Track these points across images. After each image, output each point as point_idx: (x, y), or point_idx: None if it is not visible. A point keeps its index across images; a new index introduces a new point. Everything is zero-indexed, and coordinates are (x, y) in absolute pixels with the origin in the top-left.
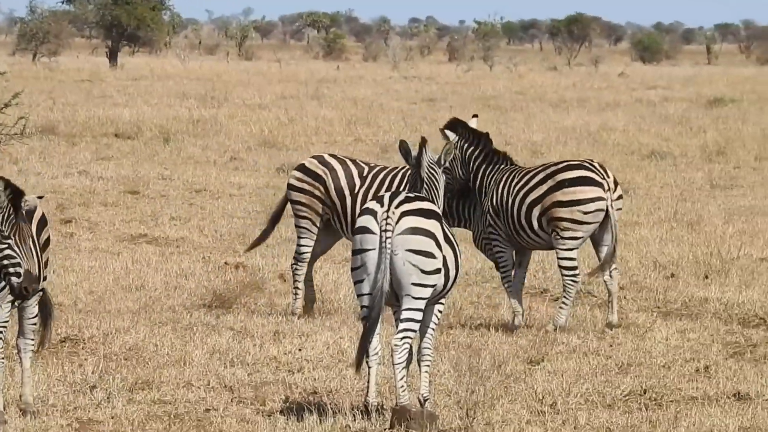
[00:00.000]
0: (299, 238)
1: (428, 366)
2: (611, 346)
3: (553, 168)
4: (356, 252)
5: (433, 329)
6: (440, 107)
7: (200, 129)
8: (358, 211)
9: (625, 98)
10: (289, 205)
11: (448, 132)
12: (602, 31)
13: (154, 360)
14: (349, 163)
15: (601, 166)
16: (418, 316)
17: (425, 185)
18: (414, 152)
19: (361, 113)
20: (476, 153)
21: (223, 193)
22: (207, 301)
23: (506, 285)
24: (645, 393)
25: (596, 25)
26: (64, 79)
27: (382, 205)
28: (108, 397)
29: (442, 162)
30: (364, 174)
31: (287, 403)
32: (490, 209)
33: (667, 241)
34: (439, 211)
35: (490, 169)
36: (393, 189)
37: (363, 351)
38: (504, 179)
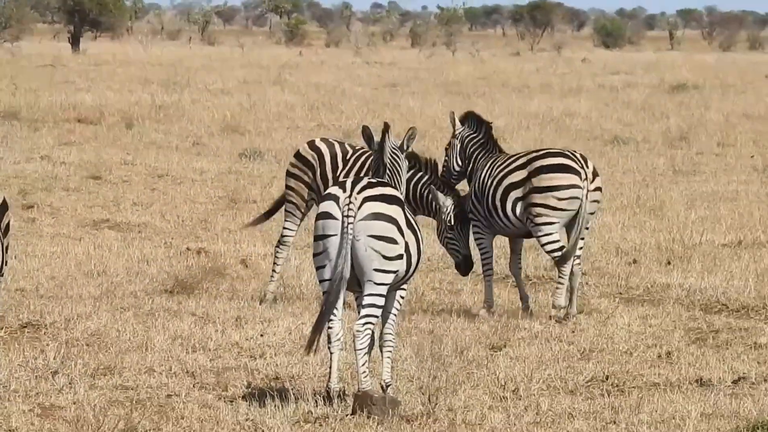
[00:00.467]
0: (284, 221)
1: (390, 352)
2: (573, 332)
3: (533, 154)
4: (318, 238)
5: (395, 315)
6: (403, 93)
7: (163, 114)
8: None
9: (587, 84)
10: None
11: (457, 121)
12: (565, 17)
13: (115, 345)
14: (337, 146)
15: (582, 156)
16: (380, 302)
17: (388, 171)
18: (377, 138)
19: (323, 99)
20: (474, 140)
21: (186, 179)
22: (169, 286)
23: (485, 271)
24: (607, 379)
25: (559, 11)
26: (26, 64)
27: (344, 191)
28: (70, 383)
29: (405, 147)
30: (348, 156)
31: (249, 389)
32: (472, 194)
33: (629, 227)
34: (402, 197)
35: (481, 156)
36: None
37: (317, 333)
38: (487, 165)
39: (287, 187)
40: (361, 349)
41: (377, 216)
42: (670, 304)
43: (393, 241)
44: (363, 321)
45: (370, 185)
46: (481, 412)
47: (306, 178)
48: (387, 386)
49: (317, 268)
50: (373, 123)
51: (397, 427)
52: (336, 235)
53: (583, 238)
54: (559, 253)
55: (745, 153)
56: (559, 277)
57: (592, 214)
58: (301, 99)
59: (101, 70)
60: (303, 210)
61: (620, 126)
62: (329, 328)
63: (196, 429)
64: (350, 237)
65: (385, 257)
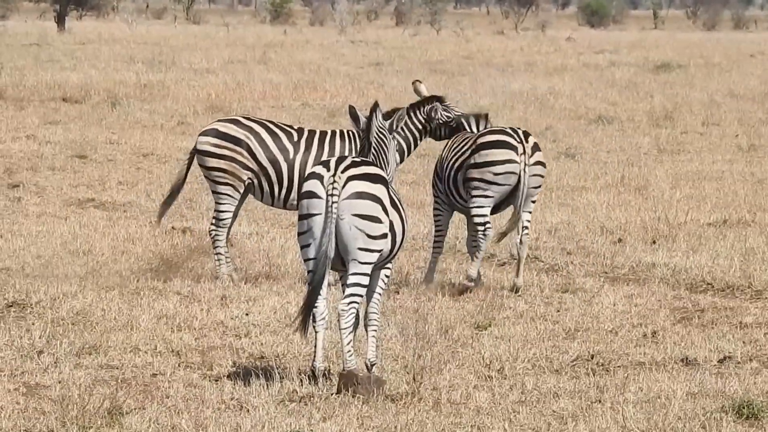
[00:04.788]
0: (219, 204)
1: (375, 331)
2: (558, 311)
3: (479, 133)
4: (302, 217)
5: (380, 294)
6: (387, 71)
7: (148, 93)
8: (296, 177)
9: (572, 63)
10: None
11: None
12: None
13: (101, 325)
14: (272, 126)
15: (524, 132)
16: (365, 281)
17: (373, 150)
18: (363, 117)
19: (308, 78)
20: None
21: (171, 158)
22: (154, 265)
23: (434, 247)
24: (592, 358)
25: None
26: (11, 43)
27: (328, 170)
28: (55, 362)
29: (394, 127)
30: (295, 139)
31: (234, 368)
32: (434, 172)
33: (614, 206)
34: (386, 176)
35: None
36: (333, 153)
37: (306, 315)
38: (448, 143)
39: (214, 168)
40: (345, 328)
41: (361, 195)
42: (656, 284)
43: (377, 220)
44: (348, 300)
45: (354, 164)
46: (466, 391)
47: (240, 158)
48: (372, 365)
49: (302, 247)
50: (358, 102)
51: (382, 406)
52: (320, 214)
53: (529, 212)
54: (482, 228)
55: (729, 132)
56: (475, 251)
57: (536, 188)
58: (286, 78)
59: (86, 49)
60: (240, 190)
61: (605, 105)
62: (314, 307)
63: (181, 408)
64: (335, 216)
65: (369, 236)
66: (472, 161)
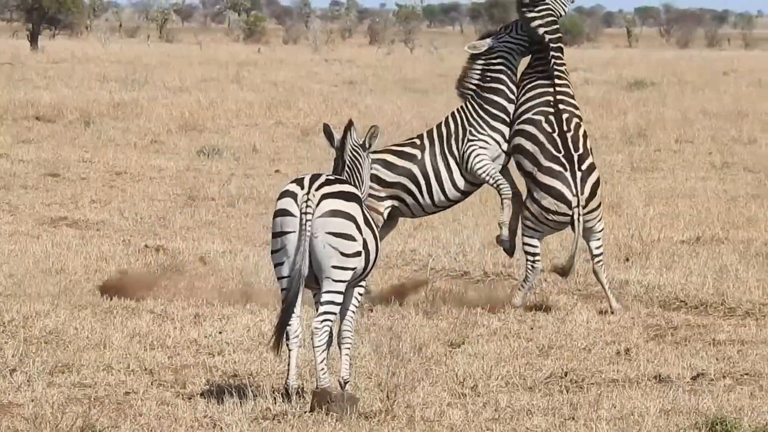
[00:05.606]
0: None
1: (349, 348)
2: (532, 328)
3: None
4: (276, 235)
5: (354, 312)
6: (361, 90)
7: (121, 112)
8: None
9: None
10: None
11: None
12: None
13: (74, 343)
14: (392, 147)
15: (579, 157)
16: (339, 298)
17: (347, 168)
18: (338, 135)
19: (281, 96)
20: None
21: (144, 176)
22: (123, 283)
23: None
24: (566, 375)
25: None
26: None
27: (302, 188)
28: (28, 381)
29: (367, 146)
30: (418, 143)
31: (207, 386)
32: None
33: None
34: (360, 194)
35: None
36: None
37: (280, 333)
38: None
39: None
40: (319, 346)
41: (335, 213)
42: (629, 301)
43: (351, 238)
44: (321, 318)
45: (328, 182)
46: (439, 408)
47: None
48: (345, 383)
49: (275, 266)
50: (332, 120)
51: (355, 424)
52: (294, 232)
53: (597, 239)
54: (532, 259)
55: (702, 150)
56: (526, 280)
57: (593, 220)
58: (260, 96)
59: (60, 67)
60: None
61: None
62: (288, 325)
63: (154, 426)
64: (308, 234)
65: (343, 254)
66: (534, 194)
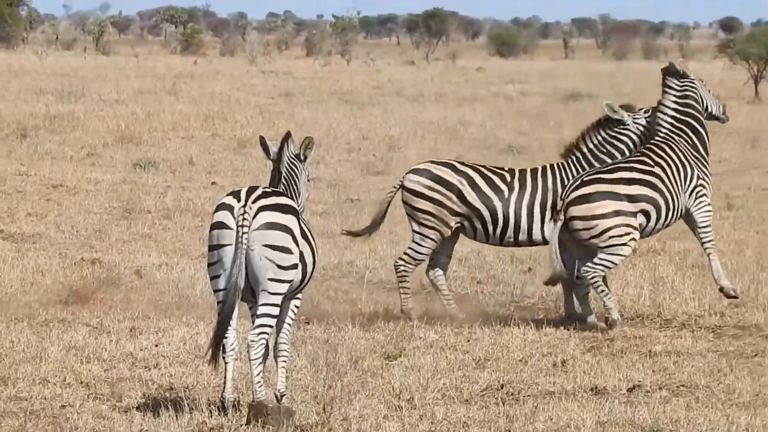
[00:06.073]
0: (418, 244)
1: (285, 361)
2: (468, 341)
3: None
4: (212, 248)
5: (290, 324)
6: (298, 102)
7: (57, 125)
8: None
9: (482, 93)
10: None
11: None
12: (460, 26)
13: (9, 356)
14: (485, 170)
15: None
16: (275, 311)
17: (284, 180)
18: (274, 147)
19: (218, 108)
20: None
21: (80, 189)
22: (63, 297)
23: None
24: (502, 388)
25: (454, 20)
26: None
27: (238, 200)
28: None
29: (302, 157)
30: (508, 180)
31: (144, 399)
32: None
33: None
34: (297, 207)
35: None
36: (545, 190)
37: (217, 346)
38: None
39: (422, 210)
40: (255, 359)
41: (272, 225)
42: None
43: (288, 250)
44: (258, 331)
45: (264, 195)
46: (376, 421)
47: (448, 202)
48: (281, 396)
49: (212, 278)
50: (269, 132)
51: None
52: (231, 244)
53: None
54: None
55: None
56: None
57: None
58: (196, 109)
59: None
60: (446, 237)
61: (515, 135)
62: (224, 338)
63: None
64: (245, 247)
65: (279, 267)
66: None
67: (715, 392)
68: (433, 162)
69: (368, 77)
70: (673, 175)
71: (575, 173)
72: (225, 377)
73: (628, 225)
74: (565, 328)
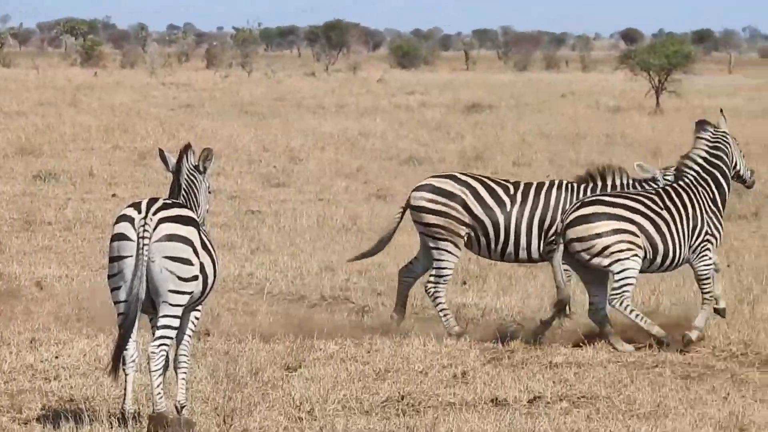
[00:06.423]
0: (440, 260)
1: (185, 373)
2: (369, 352)
3: None
4: (113, 259)
5: (190, 336)
6: (198, 113)
7: None
8: (512, 231)
9: (383, 104)
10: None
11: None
12: (361, 37)
13: None
14: (488, 181)
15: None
16: (175, 323)
17: (184, 192)
18: (173, 159)
19: (119, 120)
20: None
21: None
22: None
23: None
24: (403, 399)
25: (355, 31)
26: None
27: (139, 212)
28: None
29: (201, 169)
30: (512, 192)
31: (44, 411)
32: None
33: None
34: (197, 218)
35: None
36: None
37: (118, 358)
38: None
39: (432, 225)
40: (155, 371)
41: (172, 237)
42: (466, 324)
43: (188, 262)
44: (158, 342)
45: (165, 206)
46: None
47: (455, 213)
48: (182, 407)
49: (112, 290)
50: (169, 144)
51: None
52: (131, 256)
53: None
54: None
55: (540, 172)
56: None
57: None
58: (97, 120)
59: None
60: (460, 246)
61: (416, 146)
62: (125, 349)
63: None
64: (146, 258)
65: (180, 278)
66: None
67: (616, 403)
68: (434, 176)
69: (269, 89)
70: (681, 225)
71: (581, 197)
72: (125, 389)
73: (629, 241)
74: (464, 340)
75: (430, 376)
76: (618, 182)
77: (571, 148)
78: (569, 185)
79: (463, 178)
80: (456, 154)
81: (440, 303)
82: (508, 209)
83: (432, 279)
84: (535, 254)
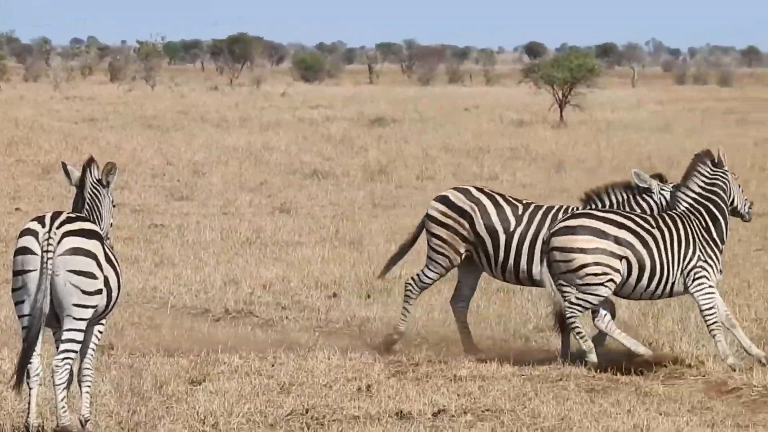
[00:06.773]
0: (428, 268)
1: (89, 386)
2: (273, 366)
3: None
4: (17, 273)
5: (94, 350)
6: (102, 127)
7: None
8: (513, 250)
9: (287, 118)
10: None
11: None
12: (264, 51)
13: None
14: (500, 199)
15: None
16: (80, 336)
17: (87, 205)
18: (76, 173)
19: (22, 134)
20: None
21: None
22: None
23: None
24: (307, 412)
25: (258, 45)
26: None
27: (43, 226)
28: None
29: (105, 183)
30: (519, 212)
31: None
32: None
33: (329, 260)
34: (101, 232)
35: None
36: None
37: (22, 371)
38: None
39: (435, 236)
40: (60, 384)
41: (76, 251)
42: (370, 337)
43: (92, 276)
44: (62, 356)
45: (69, 220)
46: None
47: (461, 230)
48: (86, 421)
49: (16, 304)
50: (72, 157)
51: None
52: (35, 270)
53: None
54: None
55: (444, 186)
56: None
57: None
58: (0, 134)
59: None
60: (454, 264)
61: (320, 159)
62: (29, 363)
63: None
64: (50, 272)
65: (84, 292)
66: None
67: (520, 416)
68: (454, 188)
69: (172, 103)
70: (671, 246)
71: None
72: (29, 403)
73: (608, 265)
74: (369, 353)
75: (334, 390)
76: (614, 200)
77: (474, 162)
78: (576, 210)
79: (476, 194)
80: (360, 168)
81: (406, 302)
82: (512, 229)
83: (414, 279)
84: (536, 276)
